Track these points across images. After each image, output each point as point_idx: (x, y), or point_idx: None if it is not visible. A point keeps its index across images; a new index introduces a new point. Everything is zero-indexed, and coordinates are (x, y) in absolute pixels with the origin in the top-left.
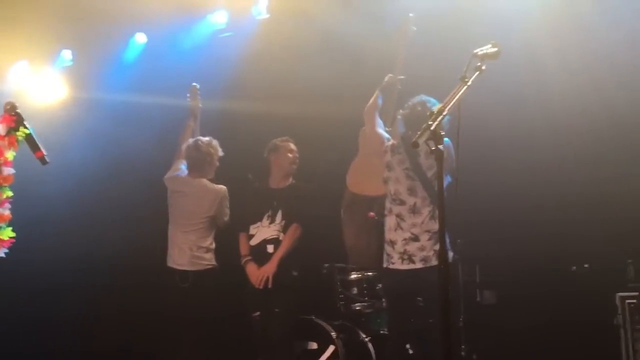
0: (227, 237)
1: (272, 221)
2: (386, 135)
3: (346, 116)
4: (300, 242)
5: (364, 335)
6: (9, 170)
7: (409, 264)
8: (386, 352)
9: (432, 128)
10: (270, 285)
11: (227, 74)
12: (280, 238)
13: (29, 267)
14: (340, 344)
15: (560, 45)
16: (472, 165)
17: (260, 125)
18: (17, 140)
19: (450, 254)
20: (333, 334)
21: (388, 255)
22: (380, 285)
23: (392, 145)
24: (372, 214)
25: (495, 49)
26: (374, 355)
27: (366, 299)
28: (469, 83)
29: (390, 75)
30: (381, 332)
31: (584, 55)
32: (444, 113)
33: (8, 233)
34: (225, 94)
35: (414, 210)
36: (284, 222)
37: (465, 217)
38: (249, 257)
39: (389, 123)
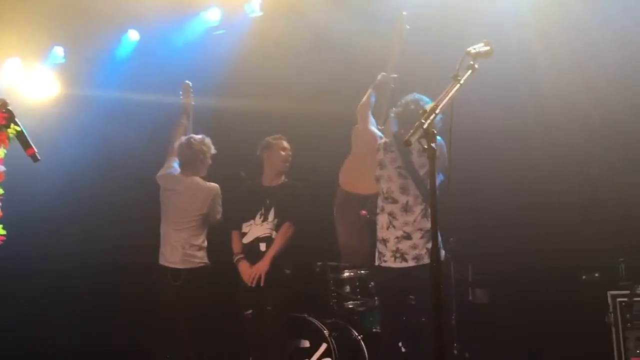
0: (220, 235)
1: (265, 219)
2: (379, 133)
3: (339, 114)
4: (293, 240)
5: (356, 334)
6: None
7: (401, 262)
8: (379, 350)
9: (424, 126)
10: (262, 284)
11: (220, 71)
12: (273, 236)
13: (20, 265)
14: (333, 342)
15: (551, 44)
16: (464, 163)
17: (253, 122)
18: (8, 138)
19: (443, 253)
20: (325, 332)
21: (380, 253)
22: (372, 283)
23: (385, 143)
24: (364, 212)
25: (488, 48)
26: (366, 354)
27: (359, 297)
28: (461, 81)
29: (383, 73)
30: (374, 330)
31: (575, 53)
32: (437, 111)
33: None
34: (218, 91)
35: (406, 209)
36: (276, 220)
37: (458, 216)
38: (242, 255)
39: (381, 121)
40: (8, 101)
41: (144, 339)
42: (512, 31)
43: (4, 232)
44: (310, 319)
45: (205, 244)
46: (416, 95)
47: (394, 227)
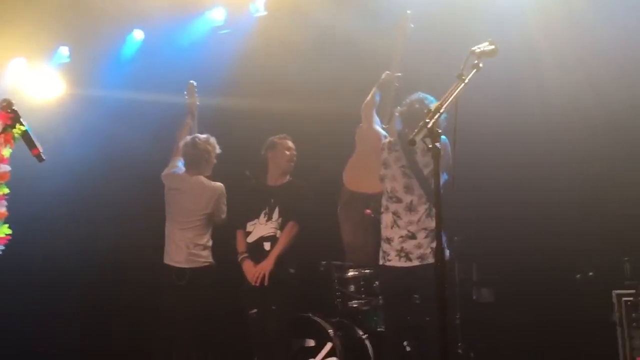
0: (224, 234)
1: (269, 218)
2: (383, 132)
3: (343, 113)
4: (297, 239)
5: (361, 333)
6: (5, 168)
7: (405, 261)
8: (383, 350)
9: (429, 126)
10: (266, 283)
11: (224, 71)
12: (277, 235)
13: (25, 264)
14: (338, 341)
15: (555, 42)
16: (468, 162)
17: (258, 122)
18: (14, 138)
19: (447, 252)
20: (330, 331)
21: (385, 252)
22: (377, 282)
23: (389, 142)
24: (368, 211)
25: (493, 47)
26: (371, 353)
27: (363, 296)
28: (466, 81)
29: (388, 72)
30: (378, 329)
31: (579, 52)
32: (441, 111)
33: (4, 230)
34: (222, 91)
35: (410, 208)
36: (280, 219)
37: (462, 215)
38: (246, 255)
39: (386, 120)
40: (13, 101)
41: (147, 339)
42: (516, 30)
43: (9, 231)
44: (315, 318)
45: (210, 243)
46: (421, 95)
47: (398, 226)
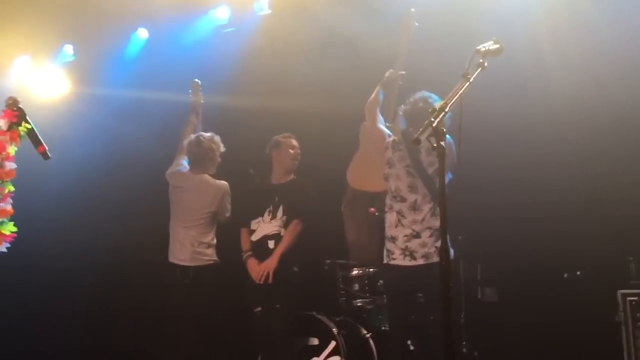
0: (229, 232)
1: (274, 217)
2: (387, 131)
3: (347, 111)
4: (302, 237)
5: (365, 331)
6: (11, 165)
7: (410, 260)
8: (387, 349)
9: (434, 125)
10: (270, 281)
11: (228, 69)
12: (282, 234)
13: (30, 261)
14: (342, 339)
15: (560, 42)
16: (473, 162)
17: (262, 120)
18: (19, 136)
19: (452, 251)
20: (334, 330)
21: (389, 251)
22: (381, 281)
23: (393, 141)
24: (372, 209)
25: (498, 46)
26: (375, 352)
27: (367, 295)
28: (471, 80)
29: (392, 70)
30: (382, 328)
31: (584, 52)
32: (446, 110)
33: (10, 228)
34: (227, 89)
35: (414, 207)
36: (285, 217)
37: (467, 214)
38: (250, 253)
39: (389, 119)
40: (19, 99)
41: (153, 336)
42: (521, 28)
43: (15, 229)
44: (319, 316)
45: (215, 241)
46: (425, 93)
47: (402, 225)
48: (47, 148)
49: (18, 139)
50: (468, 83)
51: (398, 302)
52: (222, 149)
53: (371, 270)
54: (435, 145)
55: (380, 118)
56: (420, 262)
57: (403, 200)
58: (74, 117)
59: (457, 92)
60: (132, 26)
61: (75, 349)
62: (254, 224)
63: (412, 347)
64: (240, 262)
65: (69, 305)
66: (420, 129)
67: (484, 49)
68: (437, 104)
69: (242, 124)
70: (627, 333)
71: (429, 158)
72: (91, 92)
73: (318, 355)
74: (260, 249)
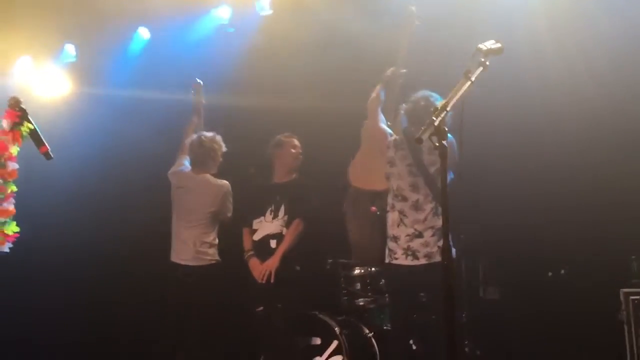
0: (231, 232)
1: (275, 216)
2: (389, 130)
3: (348, 110)
4: (303, 237)
5: (367, 331)
6: (13, 165)
7: (412, 259)
8: (389, 348)
9: (435, 124)
10: (272, 280)
11: (230, 69)
12: (283, 233)
13: (33, 261)
14: (344, 339)
15: (560, 36)
16: (475, 160)
17: (263, 120)
18: (22, 136)
19: (454, 250)
20: (336, 329)
21: (391, 250)
22: (383, 280)
23: (395, 140)
24: (373, 208)
25: (499, 45)
26: (377, 351)
27: (369, 294)
28: (472, 79)
29: (393, 69)
30: (384, 327)
31: (584, 46)
32: (448, 109)
33: (12, 228)
34: (228, 89)
35: (416, 207)
36: (286, 217)
37: (468, 213)
38: (252, 252)
39: (390, 117)
40: (21, 99)
41: (155, 335)
42: (521, 24)
43: (17, 228)
44: (321, 316)
45: (217, 241)
46: (426, 92)
47: (404, 224)
48: (49, 148)
49: (20, 139)
50: (469, 82)
51: (400, 301)
52: (224, 148)
53: (373, 269)
54: (437, 144)
55: (381, 117)
56: (423, 261)
57: (405, 199)
58: (76, 117)
59: (459, 91)
60: (134, 26)
61: (76, 344)
62: (255, 224)
63: (414, 346)
64: (242, 261)
65: (71, 304)
66: (422, 128)
67: (485, 48)
68: (439, 103)
69: (243, 124)
70: (630, 332)
71: (431, 157)
72: (93, 92)
73: (320, 355)
74: (262, 249)
